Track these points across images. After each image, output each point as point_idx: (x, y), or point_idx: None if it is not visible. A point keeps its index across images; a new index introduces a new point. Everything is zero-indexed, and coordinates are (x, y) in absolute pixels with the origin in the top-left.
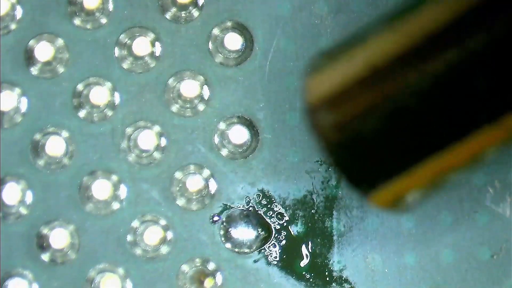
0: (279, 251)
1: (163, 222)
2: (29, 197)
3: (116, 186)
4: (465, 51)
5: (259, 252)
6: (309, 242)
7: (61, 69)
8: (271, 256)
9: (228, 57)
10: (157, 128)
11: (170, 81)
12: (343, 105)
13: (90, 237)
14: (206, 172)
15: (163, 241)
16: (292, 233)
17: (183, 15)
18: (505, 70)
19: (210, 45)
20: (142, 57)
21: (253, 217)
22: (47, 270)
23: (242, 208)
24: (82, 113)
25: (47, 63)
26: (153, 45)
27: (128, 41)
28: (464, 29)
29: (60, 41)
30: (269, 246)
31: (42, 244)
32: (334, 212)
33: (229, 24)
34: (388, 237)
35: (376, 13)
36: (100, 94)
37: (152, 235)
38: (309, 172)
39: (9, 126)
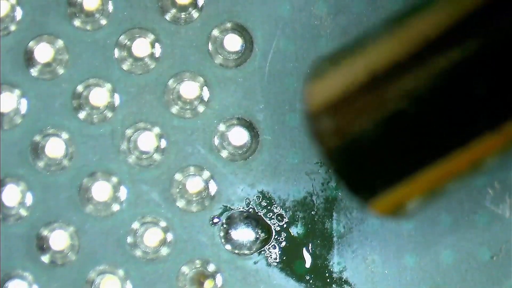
0: (279, 252)
1: (163, 223)
2: (29, 199)
3: (116, 188)
4: (465, 57)
5: (259, 253)
6: (309, 244)
7: (61, 70)
8: (271, 257)
9: (228, 58)
10: (157, 130)
11: (170, 82)
12: (343, 111)
13: (90, 239)
14: (206, 174)
15: (163, 242)
16: (292, 234)
17: (182, 16)
18: (505, 76)
19: (210, 46)
20: (142, 58)
21: (253, 219)
22: (47, 272)
23: (242, 209)
24: (82, 115)
25: (47, 65)
26: (152, 46)
27: (128, 42)
28: (463, 35)
29: (60, 42)
30: (269, 248)
31: (42, 245)
32: (334, 214)
33: (228, 25)
34: (388, 238)
35: (375, 14)
36: (100, 96)
37: (152, 237)
38: (309, 173)
39: (9, 127)
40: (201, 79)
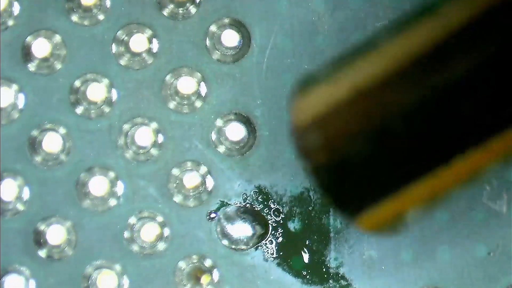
0: (276, 247)
1: (160, 218)
2: (26, 193)
3: (113, 183)
4: (450, 74)
5: (256, 248)
6: (306, 239)
7: (58, 66)
8: (268, 252)
9: (225, 54)
10: (154, 125)
11: (167, 77)
12: (329, 127)
13: (87, 234)
14: (203, 169)
15: (160, 237)
16: (289, 230)
17: (180, 11)
18: (491, 93)
19: (207, 42)
20: (139, 53)
21: (250, 214)
22: (44, 266)
23: (239, 205)
24: (79, 110)
25: (45, 60)
26: (150, 41)
27: (126, 38)
28: (450, 53)
29: (57, 38)
30: (266, 243)
31: (39, 240)
32: (331, 209)
33: (226, 21)
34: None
35: (373, 10)
36: (97, 91)
37: (149, 232)
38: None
39: (6, 122)
40: (198, 74)
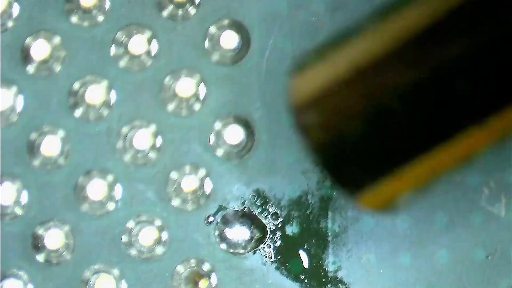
0: (274, 251)
1: (158, 222)
2: (25, 197)
3: (111, 186)
4: (448, 52)
5: (254, 252)
6: (304, 243)
7: (57, 67)
8: (266, 256)
9: (225, 56)
10: (153, 128)
11: (167, 79)
12: (328, 105)
13: (85, 238)
14: (202, 172)
15: (158, 241)
16: (287, 233)
17: (179, 13)
18: (488, 72)
19: (207, 44)
20: (138, 55)
21: (248, 218)
22: (42, 271)
23: (238, 208)
24: (78, 112)
25: (44, 62)
26: (149, 43)
27: (125, 39)
28: (447, 31)
29: (57, 39)
30: (264, 247)
31: (37, 244)
32: (329, 213)
33: (225, 22)
34: (383, 237)
35: (373, 11)
36: (96, 93)
37: (147, 236)
38: (304, 172)
39: (5, 125)
40: (197, 76)
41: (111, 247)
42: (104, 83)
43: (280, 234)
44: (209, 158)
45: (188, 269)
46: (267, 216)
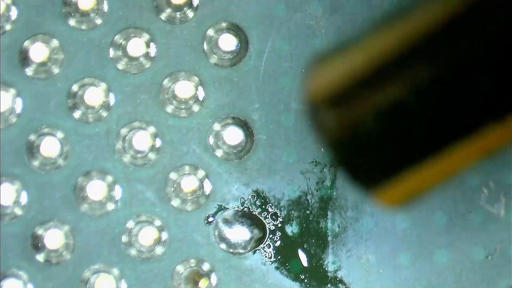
0: (274, 251)
1: (158, 222)
2: (24, 198)
3: (111, 187)
4: (467, 48)
5: (254, 252)
6: (304, 243)
7: (56, 70)
8: (266, 256)
9: (223, 58)
10: (152, 129)
11: (165, 81)
12: (345, 102)
13: (85, 238)
14: (201, 173)
15: (158, 241)
16: (287, 233)
17: (178, 15)
18: (508, 68)
19: (205, 46)
20: (137, 57)
21: (247, 218)
22: (42, 271)
23: (237, 208)
24: (77, 114)
25: (42, 64)
26: (148, 45)
27: (123, 42)
28: (466, 26)
29: (55, 42)
30: (264, 247)
31: (37, 244)
32: (329, 213)
33: (223, 25)
34: (383, 237)
35: (370, 13)
36: (95, 95)
37: (147, 236)
38: (304, 172)
39: (4, 126)
40: (196, 78)
41: (111, 247)
42: (103, 85)
43: (279, 234)
44: (209, 158)
45: (188, 269)
46: (267, 216)
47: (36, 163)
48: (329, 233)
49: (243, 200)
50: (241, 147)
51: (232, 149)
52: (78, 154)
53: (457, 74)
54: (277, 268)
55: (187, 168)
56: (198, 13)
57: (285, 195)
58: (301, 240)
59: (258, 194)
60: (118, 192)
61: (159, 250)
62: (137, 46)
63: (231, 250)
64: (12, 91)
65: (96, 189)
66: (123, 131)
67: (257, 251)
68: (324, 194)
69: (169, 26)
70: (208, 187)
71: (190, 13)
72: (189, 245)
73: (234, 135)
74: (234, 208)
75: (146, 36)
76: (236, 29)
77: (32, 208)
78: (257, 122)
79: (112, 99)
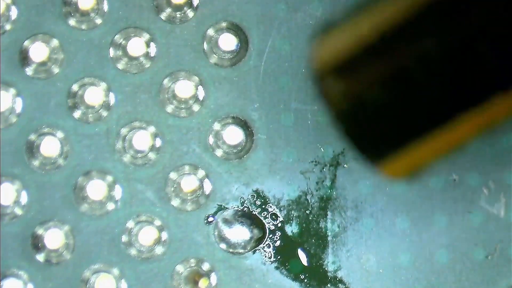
0: (274, 251)
1: (158, 222)
2: (24, 198)
3: (111, 187)
4: (473, 20)
5: (254, 252)
6: (304, 243)
7: (56, 70)
8: (265, 256)
9: (223, 58)
10: (152, 129)
11: (165, 81)
12: (351, 72)
13: (85, 238)
14: (201, 173)
15: (158, 241)
16: (287, 233)
17: (178, 15)
18: None
19: (205, 46)
20: (137, 57)
21: (247, 218)
22: (42, 271)
23: (237, 208)
24: (77, 114)
25: (42, 64)
26: (148, 45)
27: (123, 42)
28: None
29: (55, 42)
30: (264, 247)
31: (37, 244)
32: (329, 213)
33: (223, 24)
34: (383, 237)
35: None
36: (95, 95)
37: (147, 236)
38: (304, 172)
39: (4, 126)
40: (196, 78)
41: (111, 247)
42: (103, 85)
43: (279, 234)
44: (209, 158)
45: (188, 269)
46: (267, 216)
47: (36, 163)
48: (329, 233)
49: (243, 200)
50: (241, 147)
51: (232, 149)
52: (78, 154)
53: (463, 46)
54: (277, 268)
55: (187, 168)
56: (198, 13)
57: (285, 195)
58: (301, 240)
59: (258, 194)
60: (118, 192)
61: (159, 250)
62: (137, 46)
63: (231, 250)
64: (12, 91)
65: (96, 189)
66: (123, 131)
67: (257, 251)
68: (324, 194)
69: (169, 26)
70: (208, 187)
71: (190, 13)
72: (189, 245)
73: (234, 135)
74: (234, 208)
75: (146, 36)
76: (236, 29)
77: (32, 208)
78: (257, 122)
79: (112, 99)
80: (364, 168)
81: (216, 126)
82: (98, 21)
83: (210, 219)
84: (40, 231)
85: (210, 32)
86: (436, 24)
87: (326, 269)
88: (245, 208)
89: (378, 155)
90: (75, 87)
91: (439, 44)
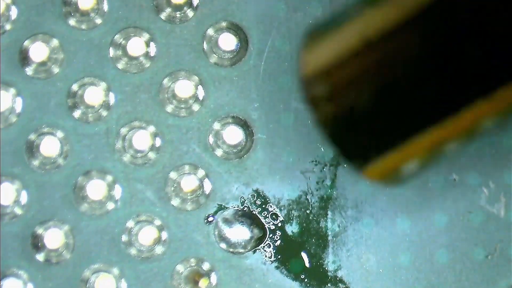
0: (274, 251)
1: (157, 222)
2: (24, 197)
3: (110, 186)
4: (457, 25)
5: (254, 252)
6: (304, 243)
7: (56, 69)
8: (265, 256)
9: (223, 57)
10: (151, 128)
11: (165, 81)
12: (337, 77)
13: (84, 237)
14: (201, 172)
15: (158, 241)
16: (287, 233)
17: (177, 15)
18: (495, 46)
19: (205, 45)
20: (136, 57)
21: (247, 217)
22: (42, 270)
23: (237, 208)
24: (77, 113)
25: (42, 64)
26: (147, 45)
27: (123, 42)
28: (456, 2)
29: (55, 42)
30: (264, 246)
31: (37, 244)
32: (329, 212)
33: (223, 24)
34: (383, 237)
35: None
36: (94, 94)
37: (147, 235)
38: (304, 172)
39: (4, 126)
40: (196, 78)
41: (110, 246)
42: (103, 85)
43: (280, 233)
44: (209, 158)
45: (188, 269)
46: (267, 216)
47: (36, 162)
48: (329, 233)
49: (243, 199)
50: (241, 147)
51: (232, 149)
52: (78, 154)
53: (447, 51)
54: (277, 267)
55: (187, 167)
56: (198, 13)
57: (285, 195)
58: (301, 239)
59: (258, 193)
60: (118, 191)
61: (159, 249)
62: (137, 45)
63: (231, 250)
64: (12, 91)
65: (96, 188)
66: (123, 130)
67: (257, 250)
68: (324, 193)
69: (169, 25)
70: (208, 186)
71: (190, 13)
72: (189, 244)
73: (234, 135)
74: (234, 207)
75: (146, 36)
76: (236, 29)
77: (32, 208)
78: (256, 122)
79: (112, 99)
80: None
81: (216, 125)
82: (98, 21)
83: (210, 218)
84: (40, 230)
85: (210, 31)
86: (420, 30)
87: (326, 268)
88: (245, 208)
89: (363, 159)
90: (75, 87)
91: (423, 49)
